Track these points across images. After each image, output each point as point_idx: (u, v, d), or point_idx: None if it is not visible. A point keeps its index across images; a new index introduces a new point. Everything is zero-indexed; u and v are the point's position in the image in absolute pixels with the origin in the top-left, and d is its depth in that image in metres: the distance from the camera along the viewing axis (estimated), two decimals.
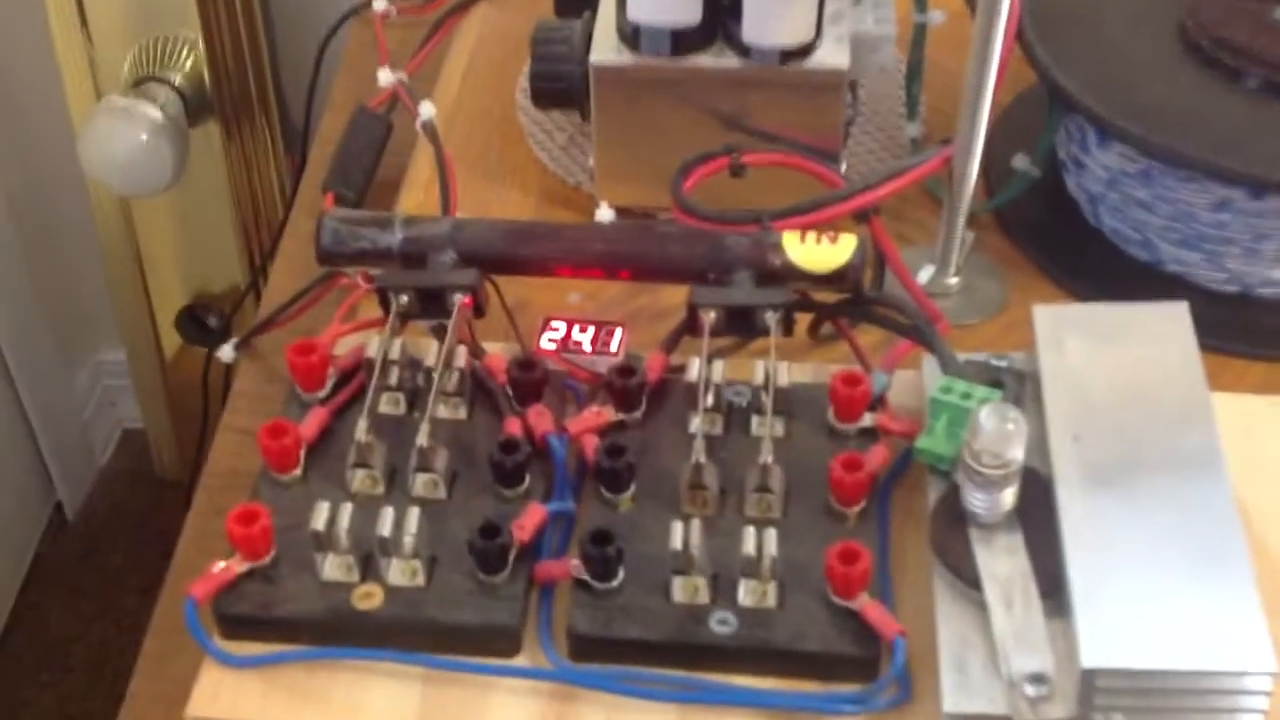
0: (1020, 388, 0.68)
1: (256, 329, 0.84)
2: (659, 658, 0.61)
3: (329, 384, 0.70)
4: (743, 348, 0.73)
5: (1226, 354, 0.79)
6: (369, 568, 0.63)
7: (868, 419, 0.68)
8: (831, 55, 0.81)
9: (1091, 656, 0.56)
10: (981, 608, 0.60)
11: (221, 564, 0.63)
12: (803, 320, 0.74)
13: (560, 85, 0.84)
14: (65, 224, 1.61)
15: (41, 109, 1.50)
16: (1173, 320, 0.68)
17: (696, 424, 0.67)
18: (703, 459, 0.64)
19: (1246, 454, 0.65)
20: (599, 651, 0.61)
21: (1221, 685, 0.56)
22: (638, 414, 0.69)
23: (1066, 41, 0.84)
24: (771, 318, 0.69)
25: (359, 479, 0.66)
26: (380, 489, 0.66)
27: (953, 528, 0.62)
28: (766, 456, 0.64)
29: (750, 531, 0.62)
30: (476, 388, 0.70)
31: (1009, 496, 0.61)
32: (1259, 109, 0.81)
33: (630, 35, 0.81)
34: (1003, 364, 0.69)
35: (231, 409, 0.84)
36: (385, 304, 0.71)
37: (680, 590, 0.62)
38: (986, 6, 0.72)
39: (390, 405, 0.70)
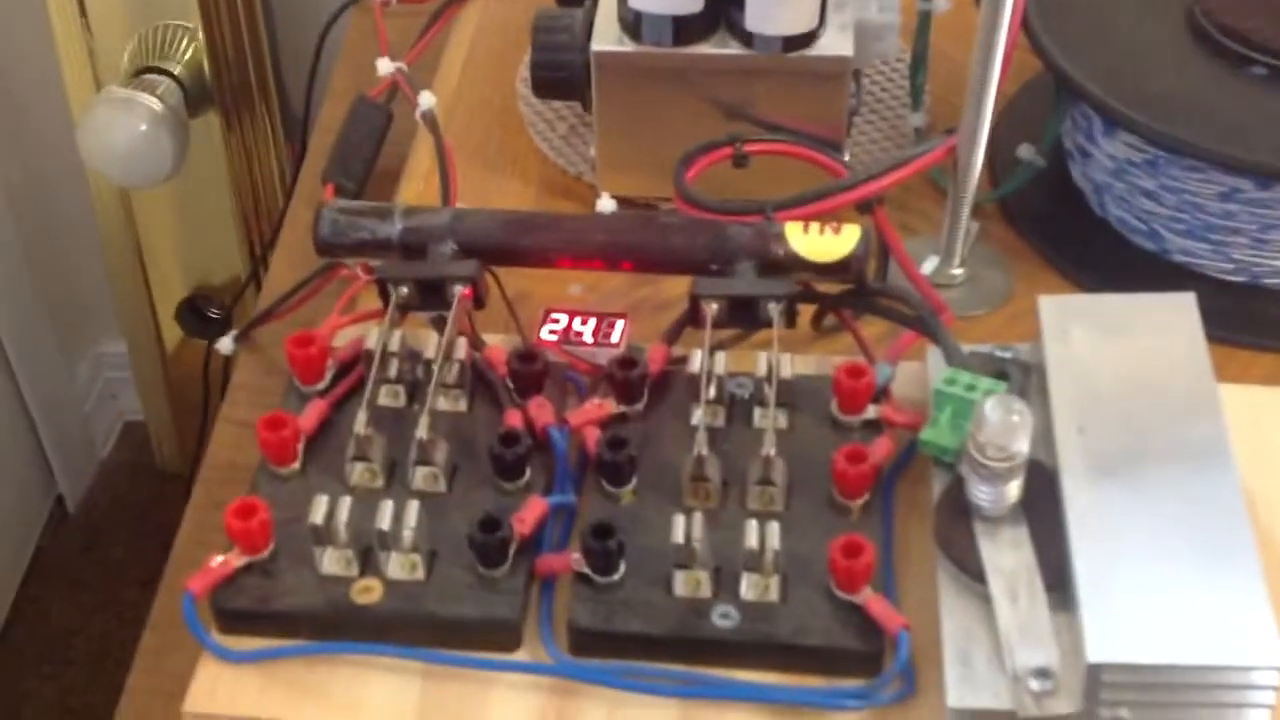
0: (1025, 379, 0.67)
1: (255, 321, 0.84)
2: (660, 652, 0.61)
3: (328, 376, 0.70)
4: (745, 339, 0.73)
5: (1233, 345, 0.78)
6: (368, 562, 0.63)
7: (871, 411, 0.68)
8: (835, 44, 0.81)
9: (1097, 651, 0.55)
10: (986, 601, 0.60)
11: (219, 558, 0.62)
12: (806, 311, 0.74)
13: (561, 74, 0.84)
14: (65, 216, 1.60)
15: (41, 100, 1.50)
16: (1179, 311, 0.68)
17: (699, 416, 0.66)
18: (705, 451, 0.64)
19: (1254, 445, 0.65)
20: (600, 646, 0.61)
21: (1228, 680, 0.56)
22: (639, 406, 0.68)
23: (1072, 29, 0.83)
24: (774, 309, 0.69)
25: (358, 472, 0.66)
26: (379, 482, 0.66)
27: (957, 520, 0.62)
28: (769, 449, 0.64)
29: (753, 524, 0.61)
30: (477, 380, 0.69)
31: (1014, 489, 0.61)
32: (1267, 98, 0.80)
33: (632, 23, 0.81)
34: (1008, 355, 0.68)
35: (230, 401, 0.84)
36: (385, 295, 0.70)
37: (682, 584, 0.61)
38: None
39: (390, 398, 0.69)
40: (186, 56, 1.36)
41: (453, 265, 0.70)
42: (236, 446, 0.81)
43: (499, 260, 0.72)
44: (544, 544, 0.63)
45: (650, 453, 0.66)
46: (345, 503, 0.62)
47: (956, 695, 0.58)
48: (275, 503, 0.63)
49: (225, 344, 0.85)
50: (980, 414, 0.60)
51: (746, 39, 0.80)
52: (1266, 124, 0.78)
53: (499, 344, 0.71)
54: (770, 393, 0.67)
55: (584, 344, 0.73)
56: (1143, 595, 0.57)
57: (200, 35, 1.34)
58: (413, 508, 0.62)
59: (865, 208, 0.75)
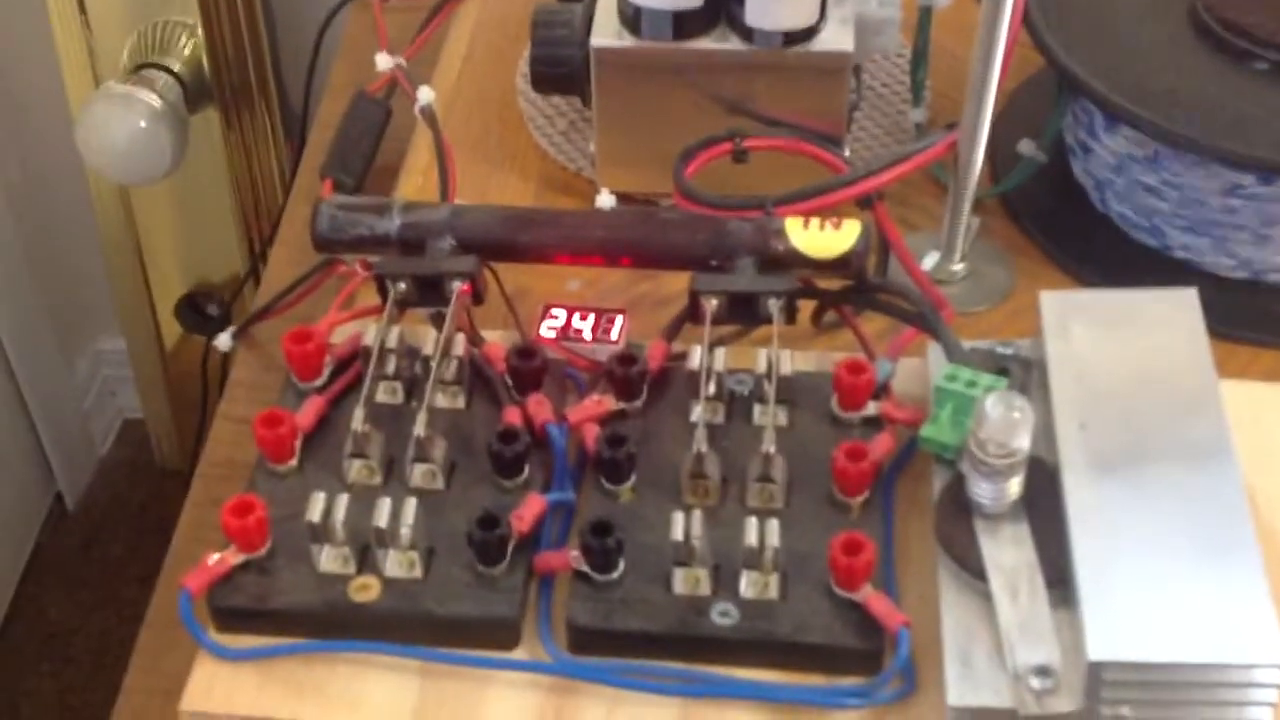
0: (1026, 375, 0.67)
1: (254, 317, 0.84)
2: (660, 650, 0.60)
3: (326, 373, 0.69)
4: (745, 335, 0.73)
5: (1235, 341, 0.78)
6: (366, 559, 0.62)
7: (872, 407, 0.67)
8: (836, 38, 0.80)
9: (1098, 649, 0.55)
10: (987, 599, 0.59)
11: (216, 556, 0.62)
12: (806, 307, 0.73)
13: (561, 69, 0.83)
14: (64, 213, 1.60)
15: (40, 96, 1.49)
16: (1181, 307, 0.67)
17: (698, 413, 0.66)
18: (704, 448, 0.64)
19: (1255, 442, 0.65)
20: (599, 644, 0.61)
21: (1230, 678, 0.56)
22: (638, 403, 0.68)
23: (1074, 25, 0.83)
24: (774, 305, 0.68)
25: (356, 469, 0.66)
26: (377, 479, 0.65)
27: (958, 518, 0.62)
28: (769, 446, 0.63)
29: (752, 522, 0.61)
30: (475, 376, 0.69)
31: (1015, 486, 0.61)
32: (1270, 93, 0.80)
33: (631, 18, 0.81)
34: (1009, 351, 0.68)
35: (229, 398, 0.84)
36: (383, 291, 0.70)
37: (681, 582, 0.61)
38: None
39: (388, 394, 0.69)
40: (186, 53, 1.36)
41: (451, 261, 0.70)
42: (235, 443, 0.81)
43: (498, 256, 0.72)
44: (543, 542, 0.63)
45: (649, 450, 0.66)
46: (343, 500, 0.62)
47: (957, 693, 0.57)
48: (272, 500, 0.63)
49: (223, 340, 0.85)
50: (981, 410, 0.59)
51: (746, 34, 0.80)
52: (1269, 119, 0.78)
53: (498, 340, 0.71)
54: (770, 389, 0.66)
55: (583, 340, 0.73)
56: (1144, 592, 0.57)
57: (199, 31, 1.34)
58: (411, 505, 0.62)
59: (866, 203, 0.74)
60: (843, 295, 0.73)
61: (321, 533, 0.62)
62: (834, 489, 0.64)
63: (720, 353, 0.68)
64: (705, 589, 0.61)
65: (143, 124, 1.30)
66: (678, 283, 0.71)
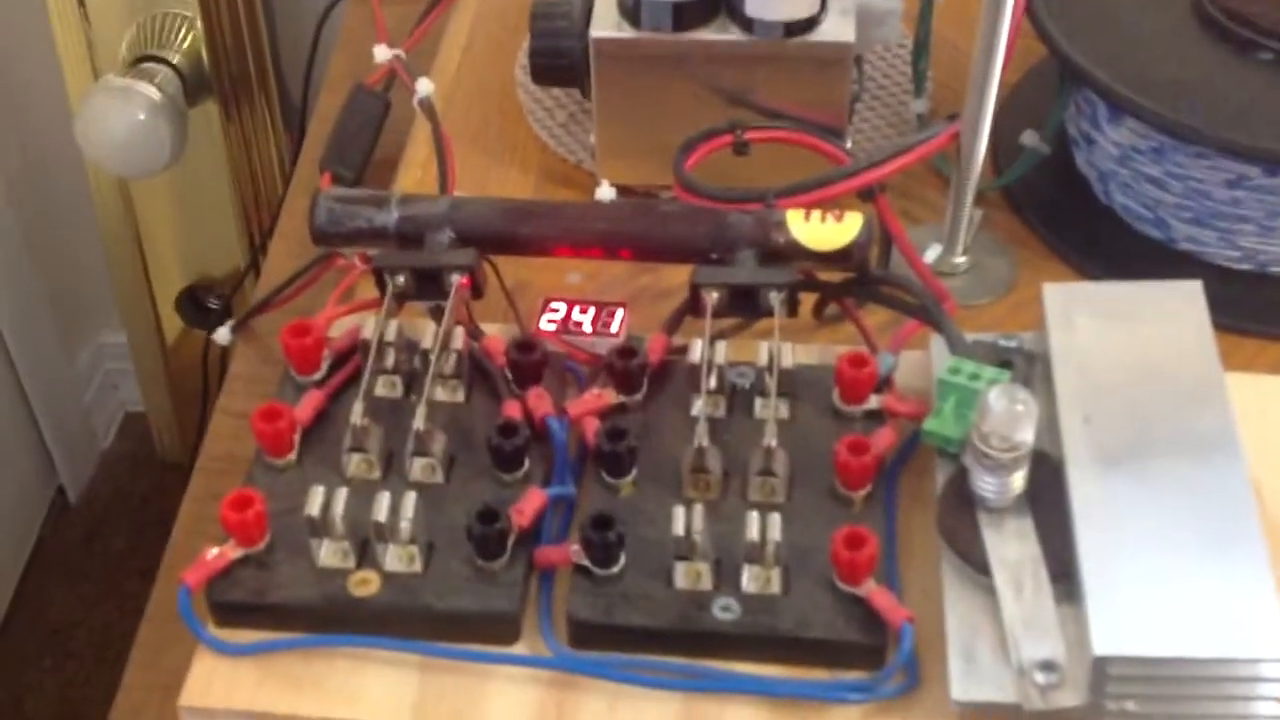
0: (1030, 368, 0.67)
1: (252, 311, 0.84)
2: (661, 645, 0.60)
3: (324, 366, 0.69)
4: (746, 328, 0.72)
5: (1240, 333, 0.78)
6: (365, 554, 0.62)
7: (874, 401, 0.67)
8: (837, 29, 0.80)
9: (1103, 644, 0.55)
10: (990, 593, 0.59)
11: (215, 550, 0.62)
12: (807, 300, 0.73)
13: (560, 61, 0.83)
14: (64, 206, 1.60)
15: (39, 89, 1.49)
16: (1186, 299, 0.67)
17: (699, 406, 0.66)
18: (705, 442, 0.63)
19: (1261, 435, 0.64)
20: (600, 639, 0.60)
21: (1236, 672, 0.56)
22: (639, 396, 0.68)
23: (1077, 15, 0.82)
24: (775, 298, 0.68)
25: (355, 463, 0.65)
26: (376, 473, 0.65)
27: (961, 512, 0.61)
28: (770, 439, 0.63)
29: (754, 516, 0.61)
30: (474, 370, 0.69)
31: (1018, 479, 0.60)
32: (1274, 83, 0.79)
33: (631, 9, 0.80)
34: (1012, 344, 0.68)
35: (228, 392, 0.84)
36: (381, 284, 0.70)
37: (682, 576, 0.61)
38: None
39: (387, 388, 0.69)
40: (185, 45, 1.35)
41: (450, 254, 0.70)
42: (234, 437, 0.80)
43: (497, 249, 0.72)
44: (543, 536, 0.63)
45: (650, 444, 0.66)
46: (342, 494, 0.62)
47: (960, 688, 0.57)
48: (271, 494, 0.63)
49: (222, 334, 0.85)
50: (984, 404, 0.59)
51: (747, 25, 0.80)
52: (1274, 109, 0.78)
53: (497, 334, 0.70)
54: (771, 383, 0.66)
55: (583, 334, 0.73)
56: (1149, 586, 0.56)
57: (199, 24, 1.34)
58: (410, 499, 0.61)
59: (867, 195, 0.74)
60: (844, 288, 0.72)
61: (320, 527, 0.62)
62: (836, 483, 0.64)
63: (721, 346, 0.68)
64: (707, 583, 0.61)
65: (142, 117, 1.30)
66: (678, 275, 0.71)
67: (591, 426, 0.66)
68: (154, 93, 1.31)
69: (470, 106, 0.93)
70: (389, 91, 0.91)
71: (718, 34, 0.80)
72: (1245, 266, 0.81)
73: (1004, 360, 0.66)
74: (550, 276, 0.78)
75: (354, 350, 0.69)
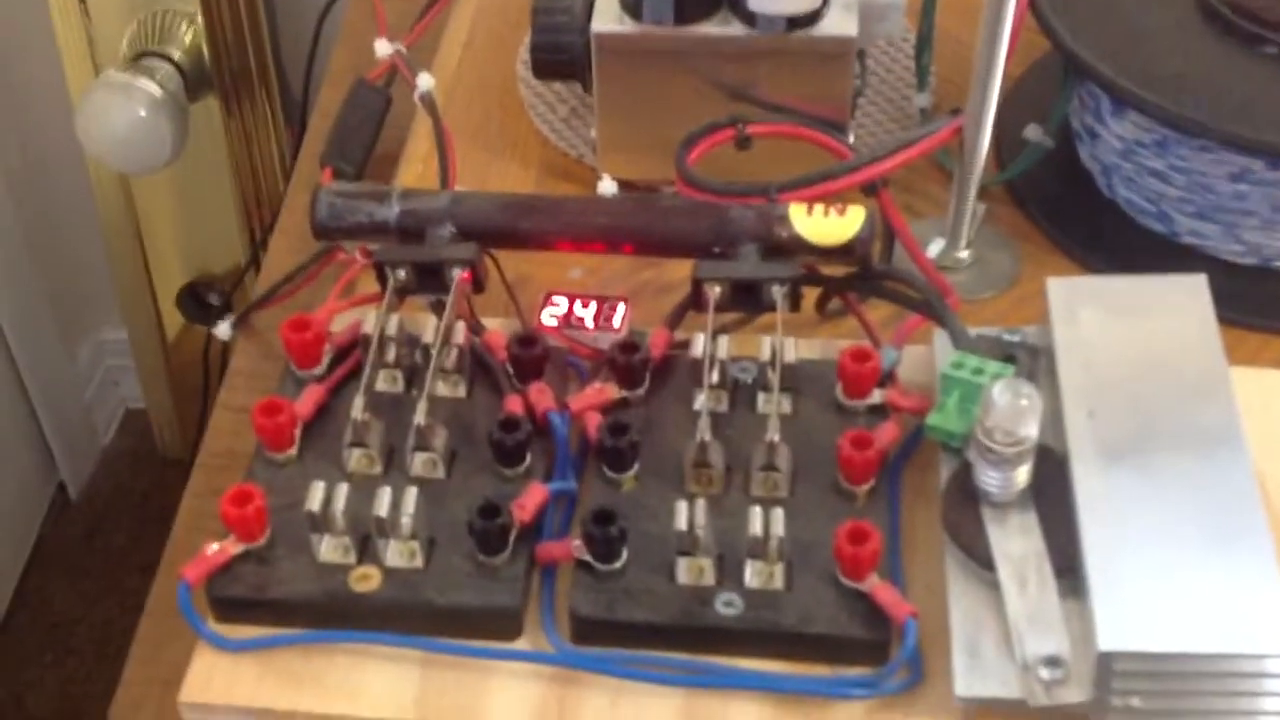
0: (1033, 363, 0.66)
1: (253, 306, 0.84)
2: (663, 640, 0.60)
3: (325, 361, 0.69)
4: (749, 323, 0.72)
5: (1244, 327, 0.77)
6: (366, 549, 0.62)
7: (877, 395, 0.67)
8: (839, 23, 0.80)
9: (1108, 639, 0.55)
10: (995, 588, 0.59)
11: (215, 546, 0.62)
12: (810, 295, 0.73)
13: (561, 56, 0.83)
14: (65, 203, 1.60)
15: (40, 85, 1.49)
16: (1190, 293, 0.67)
17: (701, 401, 0.65)
18: (708, 437, 0.63)
19: (1265, 429, 0.64)
20: (602, 634, 0.60)
21: (1241, 668, 0.55)
22: (641, 391, 0.68)
23: (1080, 8, 0.82)
24: (778, 292, 0.68)
25: (356, 458, 0.65)
26: (377, 468, 0.65)
27: (965, 506, 0.61)
28: (773, 434, 0.63)
29: (756, 511, 0.60)
30: (476, 365, 0.69)
31: (1022, 474, 0.60)
32: (1278, 77, 0.79)
33: (633, 3, 0.80)
34: (1015, 338, 0.67)
35: (229, 387, 0.83)
36: (382, 279, 0.70)
37: (685, 571, 0.60)
38: None
39: (388, 383, 0.68)
40: (186, 41, 1.35)
41: (451, 248, 0.70)
42: (235, 433, 0.80)
43: (498, 243, 0.71)
44: (545, 531, 0.63)
45: (652, 438, 0.65)
46: (343, 489, 0.62)
47: (965, 684, 0.57)
48: (272, 489, 0.63)
49: (223, 329, 0.85)
50: (988, 398, 0.59)
51: (749, 19, 0.79)
52: (1277, 103, 0.77)
53: (498, 328, 0.70)
54: (774, 377, 0.66)
55: (585, 328, 0.73)
56: (1154, 581, 0.56)
57: (199, 20, 1.34)
58: (411, 494, 0.61)
59: (870, 190, 0.74)
60: (847, 282, 0.72)
61: (321, 522, 0.61)
62: (839, 477, 0.63)
63: (723, 340, 0.68)
64: (709, 579, 0.60)
65: (143, 113, 1.30)
66: (680, 270, 0.70)
67: (593, 421, 0.65)
68: (155, 89, 1.31)
69: (471, 101, 0.93)
70: (390, 86, 0.91)
71: (720, 28, 0.80)
72: (1249, 260, 0.81)
73: (1008, 355, 0.66)
74: (552, 271, 0.78)
75: (355, 345, 0.69)
